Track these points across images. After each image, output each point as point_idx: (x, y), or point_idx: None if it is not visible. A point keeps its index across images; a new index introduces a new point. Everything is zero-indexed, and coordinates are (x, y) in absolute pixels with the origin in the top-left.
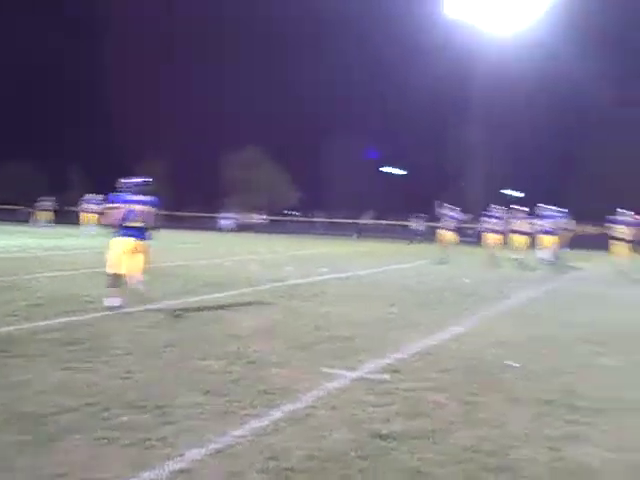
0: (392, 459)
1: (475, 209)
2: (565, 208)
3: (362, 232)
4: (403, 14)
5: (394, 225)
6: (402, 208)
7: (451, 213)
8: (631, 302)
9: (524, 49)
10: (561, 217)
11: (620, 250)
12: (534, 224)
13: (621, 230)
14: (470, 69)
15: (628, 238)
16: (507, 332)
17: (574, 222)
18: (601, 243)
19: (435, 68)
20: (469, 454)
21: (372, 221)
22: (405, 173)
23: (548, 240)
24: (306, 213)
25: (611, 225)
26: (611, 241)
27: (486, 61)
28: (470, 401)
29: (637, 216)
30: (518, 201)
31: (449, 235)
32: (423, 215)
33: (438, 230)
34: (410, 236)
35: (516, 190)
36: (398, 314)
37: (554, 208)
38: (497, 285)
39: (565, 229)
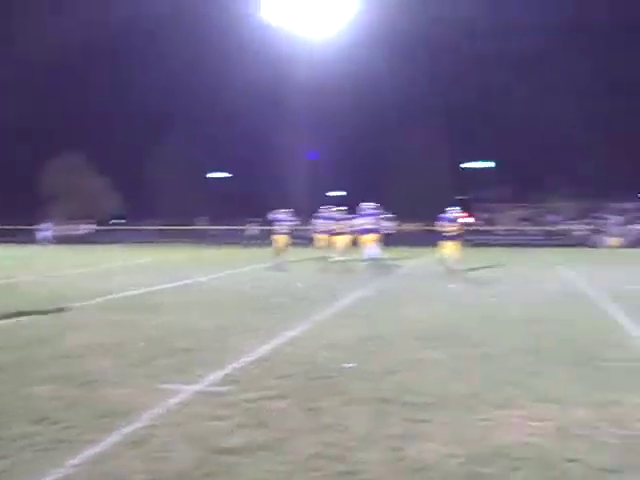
0: (237, 474)
1: (302, 211)
2: (385, 206)
3: (251, 240)
4: (220, 16)
5: (230, 230)
6: (233, 212)
7: (283, 216)
8: (454, 298)
9: (338, 52)
10: (381, 215)
11: (447, 247)
12: (355, 223)
13: (449, 227)
14: (286, 72)
15: (455, 234)
16: (340, 334)
17: (394, 220)
18: (424, 240)
19: (252, 71)
20: (315, 461)
21: (209, 227)
22: (230, 176)
23: (370, 238)
24: (134, 221)
25: (440, 223)
26: (442, 239)
27: (301, 64)
28: (312, 407)
29: (461, 213)
30: (341, 201)
31: (282, 238)
32: (257, 219)
33: (272, 235)
34: (245, 241)
35: (340, 190)
36: (234, 320)
37: (372, 205)
38: (328, 287)
39: (386, 227)
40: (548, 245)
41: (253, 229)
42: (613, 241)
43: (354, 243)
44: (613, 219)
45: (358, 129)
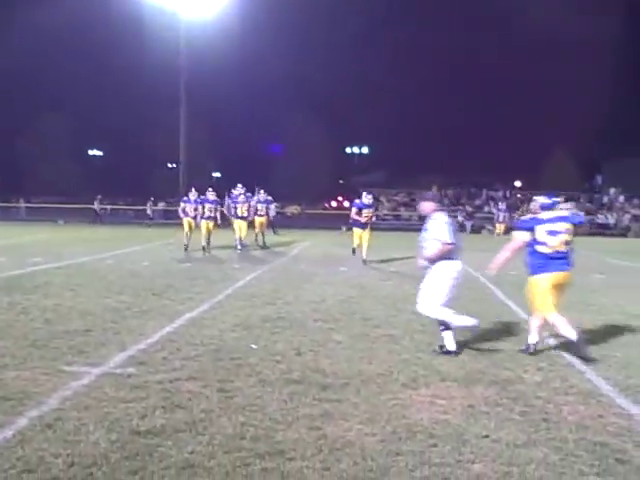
0: (160, 456)
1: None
2: (267, 190)
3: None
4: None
5: (128, 209)
6: (119, 192)
7: (211, 198)
8: (349, 280)
9: (216, 34)
10: (267, 200)
11: (360, 234)
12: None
13: (365, 213)
14: (171, 54)
15: (364, 220)
16: (242, 314)
17: (277, 204)
18: (309, 223)
19: (136, 52)
20: (236, 442)
21: (106, 206)
22: (102, 155)
23: (259, 222)
24: (6, 198)
25: (355, 208)
26: (356, 225)
27: (187, 46)
28: (224, 388)
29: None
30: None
31: (207, 223)
32: (157, 199)
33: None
34: (147, 220)
35: (216, 171)
36: (132, 301)
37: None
38: (223, 268)
39: (275, 210)
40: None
41: (151, 209)
42: (499, 227)
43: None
44: (501, 206)
45: (237, 112)
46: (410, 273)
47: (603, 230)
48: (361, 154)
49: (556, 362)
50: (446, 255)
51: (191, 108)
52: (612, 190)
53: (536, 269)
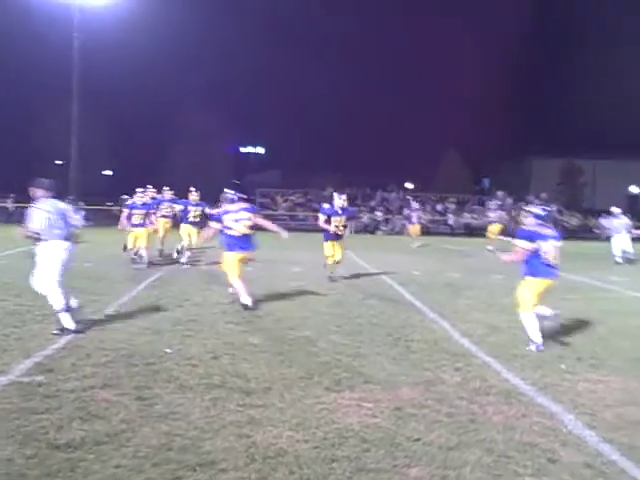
0: (83, 471)
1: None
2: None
3: None
4: None
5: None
6: None
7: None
8: (258, 281)
9: (118, 24)
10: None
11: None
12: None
13: (336, 222)
14: (63, 45)
15: (334, 231)
16: (152, 317)
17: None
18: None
19: (27, 43)
20: (162, 453)
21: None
22: None
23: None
24: None
25: (321, 215)
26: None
27: (87, 37)
28: (142, 395)
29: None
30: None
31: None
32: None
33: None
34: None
35: (109, 169)
36: (29, 304)
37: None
38: (124, 269)
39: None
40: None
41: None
42: (412, 228)
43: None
44: (413, 206)
45: (135, 109)
46: (314, 274)
47: None
48: (256, 154)
49: (471, 362)
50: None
51: (85, 103)
52: (499, 193)
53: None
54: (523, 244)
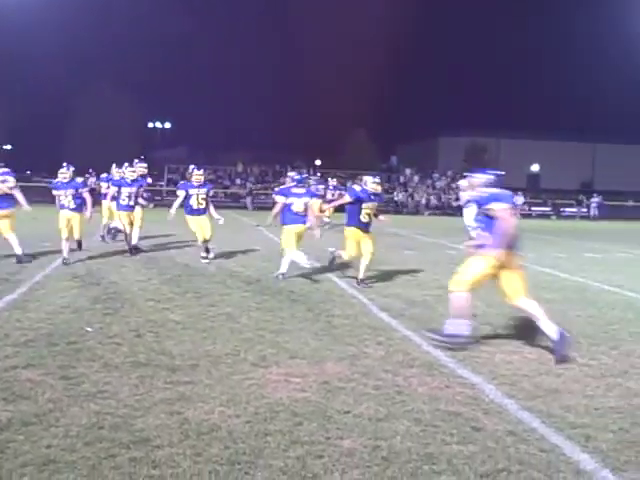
0: (14, 452)
1: None
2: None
3: None
4: None
5: None
6: None
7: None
8: (173, 259)
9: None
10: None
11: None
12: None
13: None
14: None
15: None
16: (68, 295)
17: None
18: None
19: None
20: (94, 432)
21: None
22: None
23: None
24: None
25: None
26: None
27: None
28: (67, 375)
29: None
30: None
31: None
32: None
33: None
34: None
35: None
36: None
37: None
38: (34, 246)
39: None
40: (238, 207)
41: None
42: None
43: None
44: (331, 183)
45: (36, 82)
46: (232, 250)
47: (400, 208)
48: (164, 129)
49: (393, 336)
50: None
51: None
52: (408, 170)
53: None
54: (279, 199)
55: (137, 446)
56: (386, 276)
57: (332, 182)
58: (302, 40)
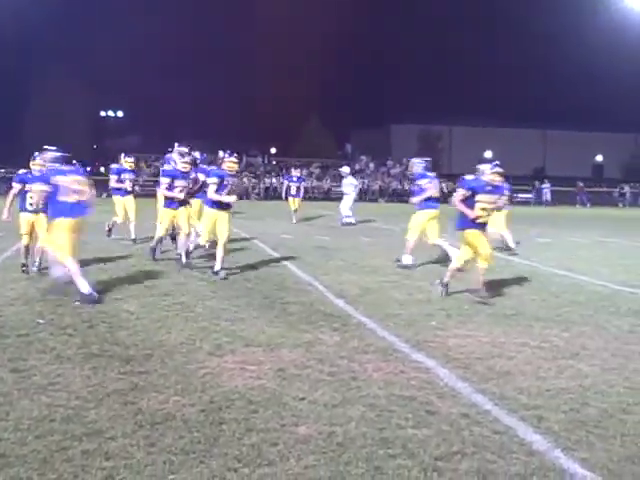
0: None
1: None
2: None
3: None
4: None
5: None
6: None
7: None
8: (120, 247)
9: None
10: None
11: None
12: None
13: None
14: None
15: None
16: (18, 287)
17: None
18: None
19: None
20: (45, 425)
21: None
22: None
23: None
24: None
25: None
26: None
27: None
28: (18, 367)
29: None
30: None
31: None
32: None
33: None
34: None
35: None
36: None
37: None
38: None
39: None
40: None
41: None
42: (293, 202)
43: None
44: (294, 173)
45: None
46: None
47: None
48: (116, 117)
49: (348, 322)
50: None
51: None
52: (363, 158)
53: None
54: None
55: (89, 438)
56: (342, 263)
57: (295, 173)
58: (254, 24)
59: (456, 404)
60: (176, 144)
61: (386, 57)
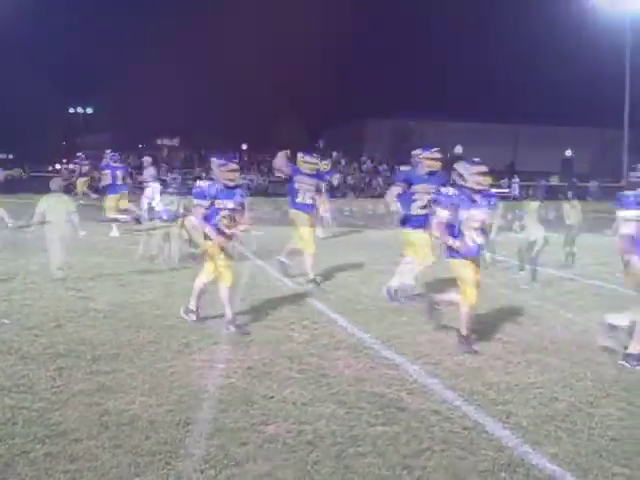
0: None
1: None
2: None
3: None
4: None
5: None
6: None
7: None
8: (84, 245)
9: None
10: None
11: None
12: None
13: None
14: None
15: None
16: None
17: None
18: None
19: None
20: (8, 428)
21: None
22: None
23: None
24: None
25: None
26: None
27: None
28: None
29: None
30: None
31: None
32: None
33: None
34: None
35: None
36: None
37: None
38: None
39: None
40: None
41: None
42: None
43: None
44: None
45: None
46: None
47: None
48: (85, 114)
49: (318, 320)
50: None
51: None
52: (334, 154)
53: None
54: None
55: (53, 440)
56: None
57: None
58: (222, 20)
59: (426, 400)
60: (107, 151)
61: (355, 52)
